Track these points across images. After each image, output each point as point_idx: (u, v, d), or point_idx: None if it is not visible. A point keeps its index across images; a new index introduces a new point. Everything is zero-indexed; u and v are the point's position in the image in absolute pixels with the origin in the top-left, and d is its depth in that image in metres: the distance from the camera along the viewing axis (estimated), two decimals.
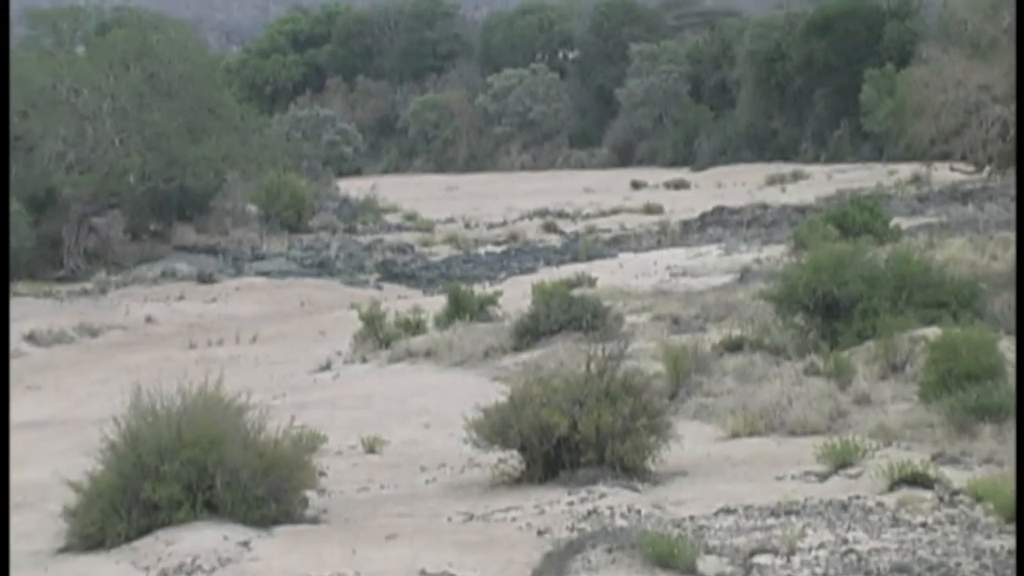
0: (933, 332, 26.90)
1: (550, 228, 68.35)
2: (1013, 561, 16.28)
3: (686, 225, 64.54)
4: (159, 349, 40.84)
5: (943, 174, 63.07)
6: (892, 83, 70.98)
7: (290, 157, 77.58)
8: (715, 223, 63.45)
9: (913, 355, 26.55)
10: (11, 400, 35.49)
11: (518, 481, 21.39)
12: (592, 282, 44.27)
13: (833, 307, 29.51)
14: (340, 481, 21.85)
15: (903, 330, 27.93)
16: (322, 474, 20.90)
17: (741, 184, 79.02)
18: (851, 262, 30.59)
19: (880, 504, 18.97)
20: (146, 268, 57.75)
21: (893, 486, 19.53)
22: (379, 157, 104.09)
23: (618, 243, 61.35)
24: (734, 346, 30.30)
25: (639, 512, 19.26)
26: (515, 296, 39.55)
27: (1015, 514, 12.31)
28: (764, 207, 66.88)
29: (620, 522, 18.66)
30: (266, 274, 57.87)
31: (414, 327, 38.05)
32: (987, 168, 48.98)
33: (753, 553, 17.19)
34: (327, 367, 35.96)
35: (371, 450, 24.75)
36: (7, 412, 16.70)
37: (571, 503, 19.95)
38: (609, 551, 16.93)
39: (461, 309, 38.75)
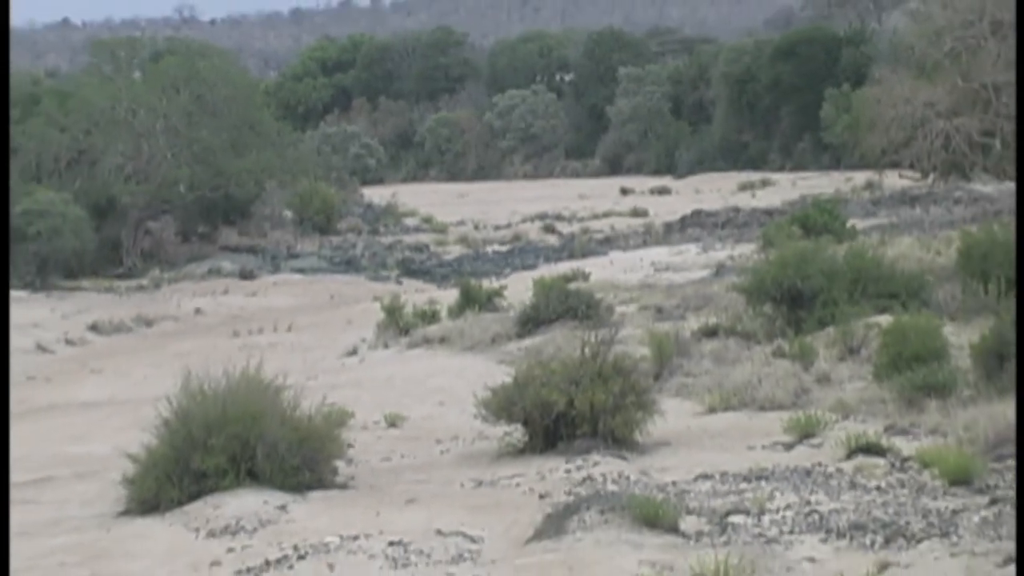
0: (885, 319, 26.91)
1: (549, 229, 68.27)
2: (956, 519, 16.34)
3: (668, 226, 64.43)
4: (206, 337, 40.88)
5: (893, 181, 63.14)
6: (848, 101, 70.96)
7: (320, 168, 77.47)
8: (694, 224, 63.36)
9: (867, 340, 26.55)
10: (78, 382, 35.65)
11: (521, 451, 21.42)
12: (586, 277, 44.26)
13: (797, 298, 29.52)
14: (365, 452, 21.90)
15: (859, 318, 27.93)
16: (350, 446, 20.92)
17: (716, 190, 78.93)
18: (813, 258, 30.59)
19: (839, 470, 19.00)
20: (195, 266, 57.76)
21: (850, 454, 19.56)
22: (399, 168, 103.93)
23: (609, 242, 61.25)
24: (710, 332, 30.30)
25: (628, 478, 19.30)
26: (518, 289, 39.57)
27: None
28: (736, 210, 66.75)
29: (611, 487, 18.69)
30: (300, 271, 57.90)
31: (430, 317, 38.05)
32: (931, 175, 49.07)
33: (728, 513, 17.24)
34: (354, 352, 36.00)
35: (392, 425, 24.80)
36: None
37: (568, 471, 19.99)
38: (602, 512, 16.96)
39: (471, 301, 38.76)
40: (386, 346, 36.34)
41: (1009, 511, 16.39)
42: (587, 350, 22.08)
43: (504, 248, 63.27)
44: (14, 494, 21.90)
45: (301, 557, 16.66)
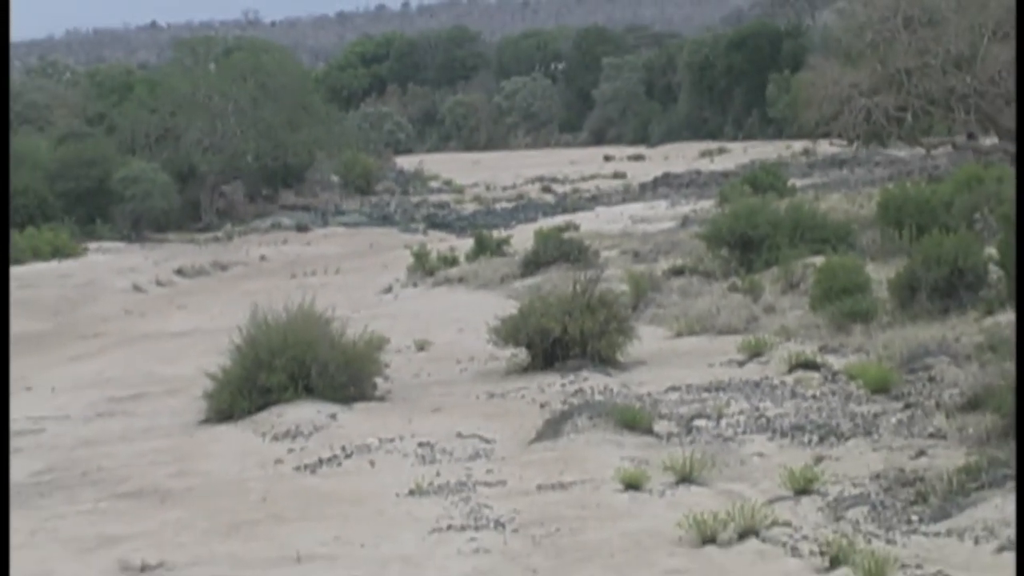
0: (819, 260, 26.86)
1: (546, 190, 67.93)
2: (877, 421, 16.35)
3: (643, 186, 64.11)
4: (269, 279, 40.84)
5: (825, 148, 62.66)
6: (788, 83, 70.44)
7: (360, 141, 77.25)
8: (663, 185, 63.05)
9: (804, 276, 26.48)
10: (166, 316, 35.66)
11: (525, 370, 21.44)
12: (577, 228, 44.08)
13: (748, 243, 29.44)
14: (399, 371, 21.91)
15: (797, 259, 27.84)
16: (386, 366, 20.93)
17: (682, 157, 78.62)
18: (760, 211, 30.52)
19: (782, 382, 19.02)
20: (259, 221, 57.59)
21: (791, 369, 19.57)
22: (424, 140, 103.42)
23: (595, 200, 60.91)
24: (678, 272, 30.23)
25: (611, 390, 19.32)
26: (522, 238, 39.47)
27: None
28: (698, 173, 66.46)
29: (598, 398, 18.72)
30: (345, 225, 57.69)
31: (450, 261, 37.99)
32: (856, 143, 48.86)
33: (692, 418, 17.28)
34: (389, 290, 35.96)
35: (421, 349, 24.79)
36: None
37: (563, 384, 20.01)
38: (590, 418, 17.00)
39: (484, 248, 38.68)
40: (415, 285, 36.32)
41: (920, 414, 16.41)
42: (578, 287, 22.07)
43: (510, 205, 63.02)
44: (115, 408, 21.96)
45: (348, 455, 16.70)
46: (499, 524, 13.36)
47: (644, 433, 16.57)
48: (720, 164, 71.34)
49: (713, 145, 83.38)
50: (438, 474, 15.40)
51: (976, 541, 12.10)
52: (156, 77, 69.06)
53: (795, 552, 11.89)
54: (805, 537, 12.25)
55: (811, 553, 11.77)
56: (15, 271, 43.20)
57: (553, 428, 16.96)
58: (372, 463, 16.30)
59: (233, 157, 58.88)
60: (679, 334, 24.17)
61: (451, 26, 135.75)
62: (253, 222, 57.67)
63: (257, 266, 46.34)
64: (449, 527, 13.39)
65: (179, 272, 44.68)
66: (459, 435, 17.20)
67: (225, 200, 59.77)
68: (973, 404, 15.87)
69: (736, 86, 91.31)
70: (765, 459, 15.31)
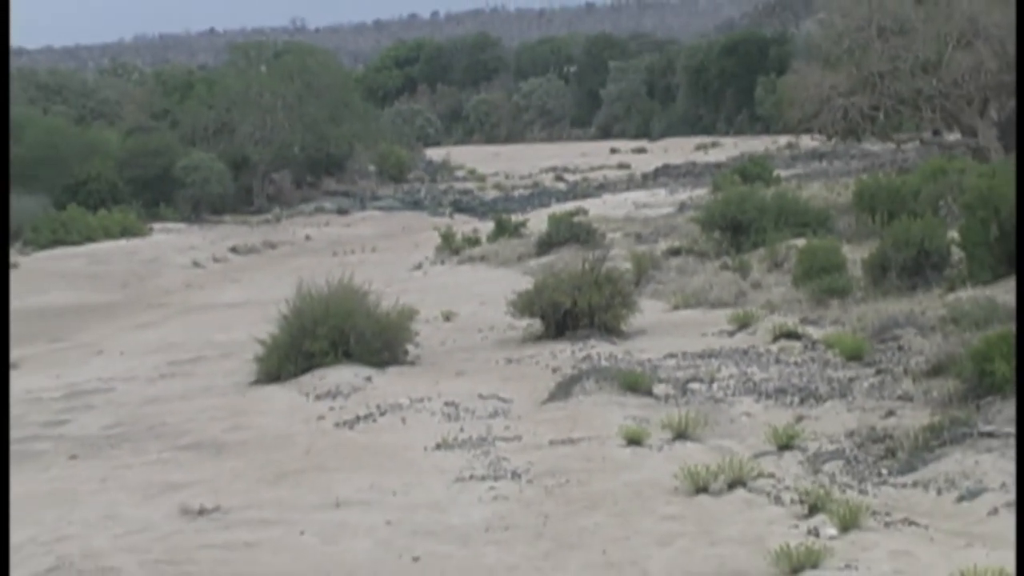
0: (801, 242, 26.85)
1: (559, 179, 67.85)
2: (851, 385, 16.31)
3: (645, 176, 63.99)
4: (313, 256, 40.89)
5: (806, 142, 62.81)
6: (774, 85, 70.23)
7: (394, 135, 77.24)
8: (663, 175, 62.93)
9: (788, 256, 26.45)
10: (222, 289, 35.71)
11: (539, 338, 21.43)
12: (586, 212, 44.00)
13: (737, 226, 29.41)
14: (428, 339, 21.93)
15: (781, 241, 27.81)
16: (416, 334, 20.93)
17: (680, 150, 78.47)
18: (749, 198, 30.47)
19: (767, 350, 18.98)
20: (304, 205, 57.62)
21: (775, 339, 19.53)
22: (451, 134, 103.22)
23: (602, 188, 60.77)
24: (675, 252, 30.21)
25: (616, 357, 19.30)
26: (537, 221, 39.44)
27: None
28: (694, 164, 66.32)
29: (604, 363, 18.70)
30: (380, 209, 57.67)
31: (473, 241, 38.00)
32: (834, 138, 48.77)
33: (688, 381, 17.25)
34: (419, 267, 35.98)
35: (447, 319, 24.79)
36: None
37: (573, 352, 20.00)
38: (597, 381, 16.98)
39: (503, 230, 38.68)
40: (442, 263, 36.34)
41: (890, 379, 16.36)
42: (586, 265, 22.07)
43: (527, 192, 62.98)
44: (176, 370, 22.00)
45: (382, 413, 16.69)
46: (515, 475, 13.36)
47: (644, 395, 16.55)
48: (713, 156, 71.23)
49: (707, 140, 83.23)
50: (462, 430, 15.40)
51: (939, 492, 12.08)
52: (214, 77, 69.08)
53: (778, 501, 11.87)
54: (787, 487, 12.23)
55: (792, 501, 11.75)
56: (90, 248, 43.34)
57: (564, 390, 16.95)
58: (403, 420, 16.30)
59: (281, 148, 58.92)
60: (676, 307, 24.16)
61: (475, 33, 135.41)
62: (299, 206, 57.74)
63: (302, 245, 46.38)
64: (471, 477, 13.40)
65: (233, 250, 44.75)
66: (480, 396, 17.19)
67: (274, 186, 59.84)
68: (937, 370, 15.84)
69: (728, 87, 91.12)
70: (752, 418, 15.29)
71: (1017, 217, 18.01)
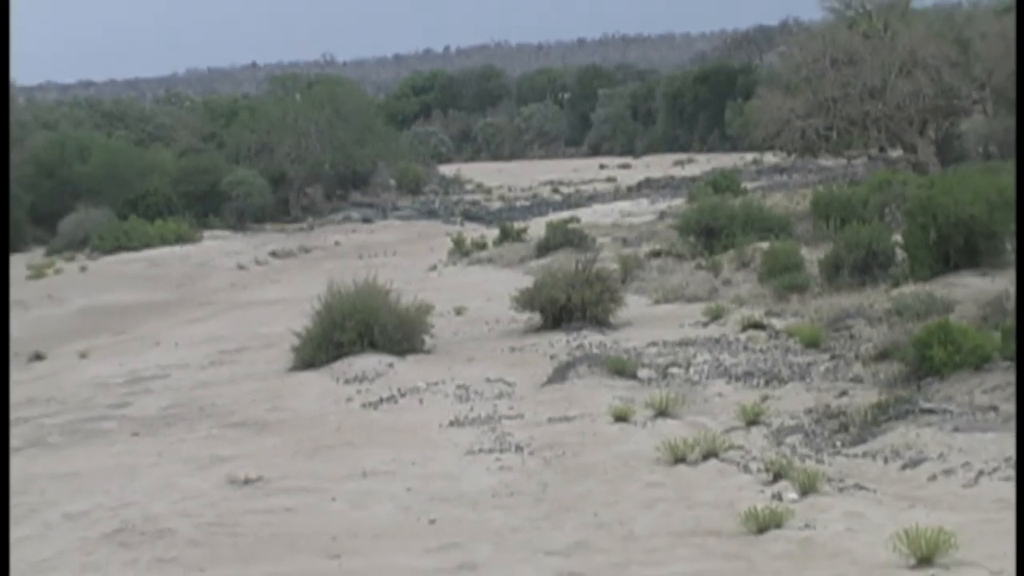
0: (765, 244, 26.82)
1: (555, 191, 67.67)
2: (809, 369, 16.30)
3: (630, 188, 63.94)
4: (342, 259, 40.87)
5: (769, 158, 62.78)
6: (741, 109, 70.08)
7: (412, 154, 77.17)
8: (646, 187, 62.87)
9: (753, 257, 26.46)
10: (263, 288, 35.70)
11: (539, 330, 21.42)
12: (578, 220, 43.93)
13: (710, 232, 29.37)
14: (442, 330, 21.92)
15: (748, 244, 27.80)
16: (432, 326, 20.96)
17: (660, 166, 78.32)
18: (720, 207, 30.43)
19: (737, 339, 18.97)
20: (334, 215, 57.59)
21: (744, 329, 19.53)
22: (461, 153, 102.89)
23: (592, 199, 60.63)
24: (656, 254, 30.17)
25: (605, 345, 19.30)
26: (537, 228, 39.43)
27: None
28: (672, 178, 66.25)
29: (595, 351, 18.70)
30: (400, 218, 57.65)
31: (481, 246, 38.00)
32: (793, 155, 48.85)
33: (668, 366, 17.24)
34: (434, 268, 35.98)
35: (458, 313, 24.79)
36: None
37: (567, 341, 19.99)
38: (589, 367, 16.99)
39: (507, 235, 38.67)
40: (454, 264, 36.34)
41: (843, 363, 16.35)
42: (579, 265, 22.06)
43: (527, 203, 62.84)
44: (224, 359, 22.01)
45: (402, 395, 16.70)
46: (519, 448, 13.37)
47: (630, 378, 16.55)
48: (689, 171, 71.16)
49: (684, 156, 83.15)
50: (472, 410, 15.41)
51: (885, 461, 12.08)
52: (255, 105, 69.07)
53: (746, 469, 11.87)
54: (754, 458, 12.23)
55: (758, 470, 11.75)
56: (148, 253, 43.40)
57: (560, 374, 16.95)
58: (421, 401, 16.30)
59: (314, 166, 58.98)
60: (657, 302, 24.15)
61: (482, 65, 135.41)
62: (329, 216, 57.73)
63: (332, 250, 46.37)
64: (480, 450, 13.40)
65: (273, 254, 44.77)
66: (488, 380, 17.19)
67: (308, 198, 59.84)
68: (883, 355, 15.84)
69: (701, 111, 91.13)
70: (723, 398, 15.28)
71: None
